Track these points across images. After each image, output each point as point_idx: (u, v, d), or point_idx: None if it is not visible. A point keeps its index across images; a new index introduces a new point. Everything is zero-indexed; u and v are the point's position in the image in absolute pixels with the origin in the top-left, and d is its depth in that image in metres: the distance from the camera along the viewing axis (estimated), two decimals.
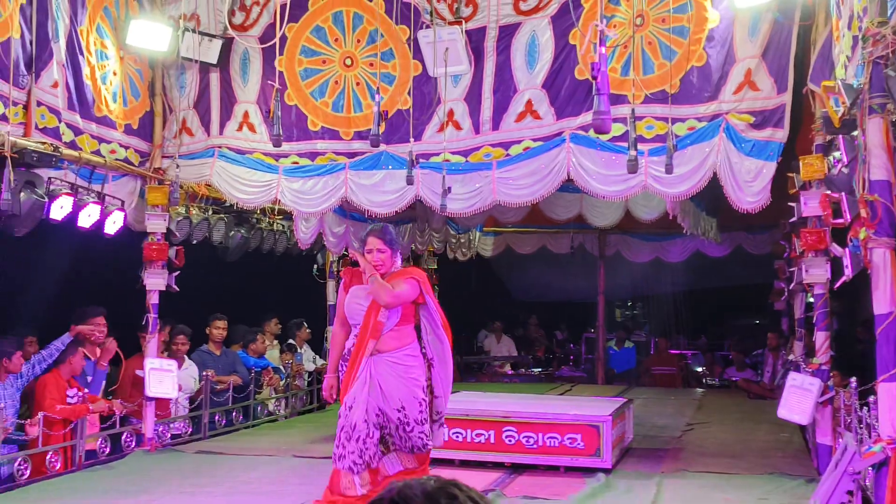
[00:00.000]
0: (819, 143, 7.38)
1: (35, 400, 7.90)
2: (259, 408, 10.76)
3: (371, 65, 8.56)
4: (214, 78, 8.95)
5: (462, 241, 14.99)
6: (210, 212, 10.87)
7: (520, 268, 17.29)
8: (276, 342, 12.04)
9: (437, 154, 8.40)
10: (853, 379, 6.59)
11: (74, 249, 9.04)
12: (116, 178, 8.65)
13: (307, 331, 12.22)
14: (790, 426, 9.17)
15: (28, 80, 7.38)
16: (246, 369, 10.54)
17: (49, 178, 7.65)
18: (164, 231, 8.99)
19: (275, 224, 12.37)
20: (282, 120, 7.04)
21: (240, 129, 8.94)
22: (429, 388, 6.27)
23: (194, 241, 10.39)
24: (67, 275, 9.34)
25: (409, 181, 7.92)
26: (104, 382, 8.74)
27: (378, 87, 7.77)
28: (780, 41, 7.49)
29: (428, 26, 8.24)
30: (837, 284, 6.46)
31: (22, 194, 7.22)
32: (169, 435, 9.05)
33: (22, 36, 7.28)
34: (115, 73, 8.51)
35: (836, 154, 6.85)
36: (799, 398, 7.39)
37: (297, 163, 8.83)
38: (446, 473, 1.95)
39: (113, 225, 8.41)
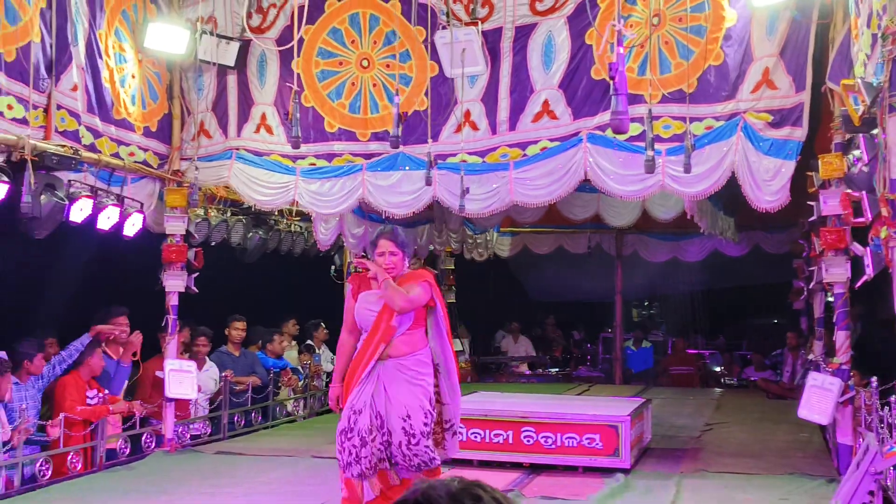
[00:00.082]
0: (838, 141, 7.35)
1: (55, 401, 7.94)
2: (278, 408, 10.81)
3: (388, 66, 8.58)
4: (232, 80, 8.99)
5: (479, 241, 14.99)
6: (228, 213, 10.94)
7: (537, 268, 17.26)
8: (294, 343, 12.08)
9: (454, 155, 8.41)
10: (874, 378, 6.56)
11: (94, 251, 9.09)
12: (135, 180, 8.70)
13: (325, 331, 12.25)
14: (810, 426, 9.13)
15: (48, 83, 7.43)
16: (265, 370, 10.58)
17: (69, 181, 7.69)
18: (183, 233, 9.03)
19: (292, 225, 12.43)
20: (299, 122, 7.06)
21: (257, 130, 8.97)
22: (436, 396, 6.05)
23: (213, 243, 10.45)
24: (87, 277, 9.40)
25: (428, 182, 7.94)
26: (126, 382, 8.78)
27: (397, 90, 7.76)
28: (797, 39, 7.47)
29: (444, 27, 8.24)
30: (859, 284, 6.43)
31: (42, 197, 7.26)
32: (188, 436, 9.10)
33: (42, 40, 7.33)
34: (133, 76, 8.56)
35: (856, 152, 6.82)
36: (819, 398, 7.36)
37: (314, 164, 8.85)
38: (465, 474, 1.95)
39: (132, 227, 8.45)
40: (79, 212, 7.76)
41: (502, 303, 18.00)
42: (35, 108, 7.30)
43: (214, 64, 8.77)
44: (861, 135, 5.94)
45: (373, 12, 8.58)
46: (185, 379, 8.81)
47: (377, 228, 6.59)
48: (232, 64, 8.79)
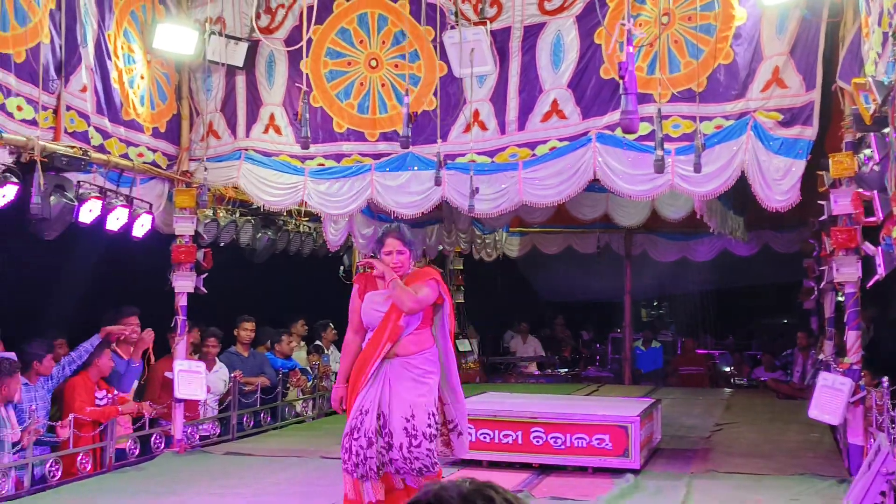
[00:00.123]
0: (849, 140, 7.32)
1: (65, 402, 7.96)
2: (287, 409, 10.80)
3: (396, 66, 8.57)
4: (240, 81, 8.99)
5: (488, 241, 14.97)
6: (237, 214, 10.94)
7: (546, 268, 17.24)
8: (302, 343, 12.08)
9: (463, 155, 8.40)
10: (885, 378, 6.53)
11: (103, 252, 9.10)
12: (144, 181, 8.71)
13: (333, 332, 12.24)
14: (820, 426, 9.10)
15: (58, 84, 7.44)
16: (273, 371, 10.58)
17: (78, 182, 7.71)
18: (192, 233, 9.04)
19: (301, 226, 12.43)
20: (308, 122, 7.05)
21: (266, 131, 8.97)
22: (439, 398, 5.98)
23: (222, 244, 10.45)
24: (96, 277, 9.41)
25: (437, 182, 7.93)
26: (136, 381, 8.79)
27: (407, 90, 7.75)
28: (808, 38, 7.44)
29: (453, 27, 8.23)
30: (871, 283, 6.40)
31: (52, 198, 7.28)
32: (197, 436, 9.10)
33: (51, 41, 7.34)
34: (142, 77, 8.57)
35: (867, 151, 6.79)
36: (830, 398, 7.33)
37: (322, 164, 8.85)
38: (474, 475, 1.94)
39: (141, 228, 8.46)
40: (88, 213, 7.77)
41: (511, 303, 17.99)
42: (45, 109, 7.31)
43: (223, 64, 8.77)
44: (872, 133, 5.91)
45: (381, 12, 8.57)
46: (194, 380, 8.82)
47: (383, 226, 6.53)
48: (240, 64, 8.80)
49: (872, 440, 6.90)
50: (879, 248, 5.72)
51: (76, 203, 7.60)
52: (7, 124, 6.98)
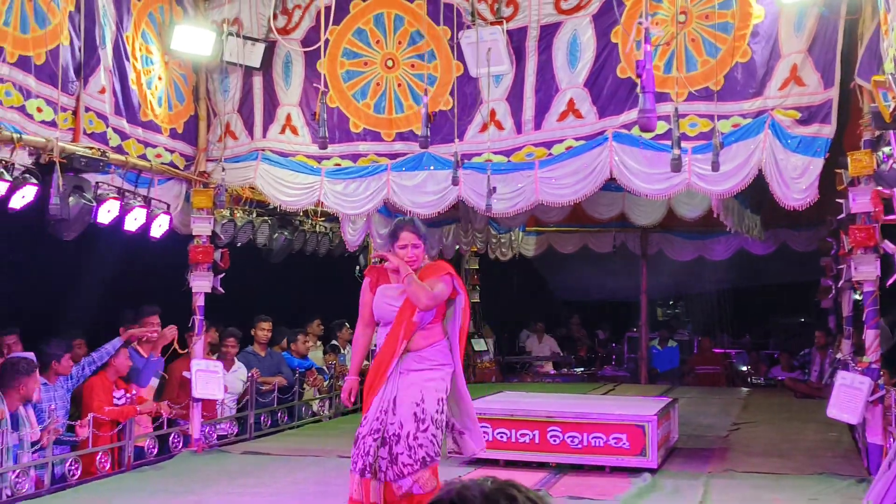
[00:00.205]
0: (867, 138, 7.27)
1: (83, 402, 8.01)
2: (303, 408, 10.83)
3: (412, 66, 8.58)
4: (257, 81, 9.01)
5: (504, 240, 14.97)
6: (254, 214, 10.98)
7: (562, 267, 17.23)
8: (319, 343, 12.11)
9: (479, 154, 8.40)
10: None
11: (121, 253, 9.15)
12: (162, 181, 8.74)
13: (349, 331, 12.23)
14: (839, 425, 9.05)
15: (76, 86, 7.48)
16: (290, 370, 10.61)
17: (96, 183, 7.75)
18: (210, 234, 9.06)
19: (317, 226, 12.46)
20: (325, 122, 7.07)
21: (282, 131, 8.99)
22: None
23: (239, 244, 10.49)
24: (115, 278, 9.46)
25: (455, 182, 7.93)
26: (157, 379, 8.81)
27: (426, 90, 7.74)
28: (826, 35, 7.40)
29: (469, 27, 8.23)
30: (890, 282, 6.37)
31: (70, 199, 7.32)
32: (215, 436, 9.13)
33: (71, 43, 7.39)
34: (160, 78, 8.61)
35: (886, 149, 6.76)
36: (849, 397, 7.29)
37: (339, 164, 8.87)
38: (491, 474, 1.94)
39: (159, 228, 8.50)
40: (106, 213, 7.81)
41: (527, 302, 18.00)
42: (64, 110, 7.35)
43: (240, 65, 8.80)
44: (891, 131, 5.88)
45: (398, 12, 8.58)
46: (212, 379, 8.85)
47: (395, 219, 6.44)
48: (257, 65, 8.82)
49: (892, 439, 6.88)
50: None
51: (95, 204, 7.64)
52: (27, 126, 7.03)
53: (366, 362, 6.85)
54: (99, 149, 7.61)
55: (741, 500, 6.87)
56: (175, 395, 8.99)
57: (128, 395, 8.20)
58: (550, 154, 8.26)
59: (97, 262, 9.40)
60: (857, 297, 9.14)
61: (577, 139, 8.19)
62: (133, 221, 8.15)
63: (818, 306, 14.35)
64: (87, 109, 7.61)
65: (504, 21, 8.23)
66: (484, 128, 8.38)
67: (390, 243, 5.95)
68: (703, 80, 7.66)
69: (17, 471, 6.71)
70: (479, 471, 7.60)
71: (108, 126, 7.86)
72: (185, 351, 8.96)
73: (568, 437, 7.83)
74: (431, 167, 8.57)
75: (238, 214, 10.62)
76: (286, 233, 11.77)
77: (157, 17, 8.58)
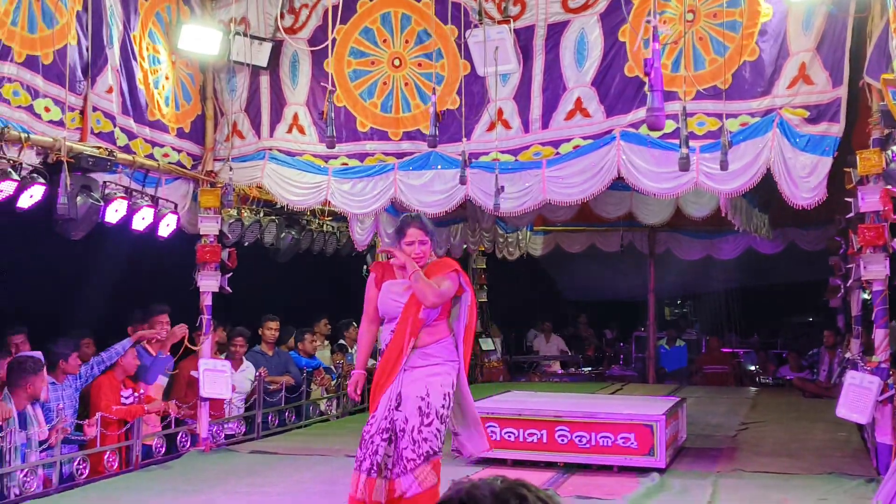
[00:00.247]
0: (877, 136, 7.24)
1: (91, 401, 8.02)
2: (311, 408, 10.83)
3: (419, 65, 8.57)
4: (264, 81, 9.02)
5: (511, 240, 14.95)
6: (261, 214, 10.98)
7: (569, 266, 17.21)
8: (326, 343, 12.11)
9: (487, 153, 8.40)
10: None
11: (129, 252, 9.17)
12: (169, 181, 8.75)
13: (357, 331, 12.17)
14: (847, 425, 9.01)
15: (84, 85, 7.49)
16: (298, 369, 10.61)
17: (104, 182, 7.76)
18: (217, 233, 9.06)
19: (325, 225, 12.46)
20: (333, 121, 7.07)
21: (289, 131, 8.99)
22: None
23: (246, 243, 10.50)
24: (122, 277, 9.48)
25: (462, 181, 7.92)
26: (166, 378, 8.81)
27: (434, 89, 7.73)
28: (834, 34, 7.38)
29: (476, 26, 8.22)
30: None
31: (78, 198, 7.33)
32: (223, 435, 9.14)
33: (78, 42, 7.40)
34: (167, 78, 8.61)
35: (895, 148, 6.73)
36: (858, 397, 7.26)
37: (346, 164, 8.87)
38: (499, 473, 1.93)
39: (166, 227, 8.51)
40: (114, 213, 7.82)
41: (534, 302, 17.98)
42: (71, 110, 7.37)
43: (247, 65, 8.80)
44: None
45: (405, 11, 8.58)
46: (219, 378, 8.85)
47: (402, 215, 6.39)
48: (264, 64, 8.82)
49: None
50: None
51: (102, 203, 7.65)
52: (35, 125, 7.05)
53: (372, 361, 6.84)
54: (106, 148, 7.62)
55: (750, 499, 6.85)
56: (183, 395, 8.99)
57: (135, 394, 8.20)
58: (558, 153, 8.25)
59: (105, 262, 9.42)
60: (866, 296, 9.11)
61: (584, 138, 8.18)
62: (140, 221, 8.17)
63: (827, 305, 14.31)
64: (95, 109, 7.62)
65: (511, 20, 8.22)
66: (491, 127, 8.37)
67: (397, 240, 5.88)
68: (711, 79, 7.64)
69: (26, 470, 6.72)
70: (486, 470, 7.59)
71: (115, 125, 7.86)
72: (197, 348, 8.96)
73: (576, 437, 7.82)
74: (439, 166, 8.57)
75: (245, 214, 10.63)
76: (293, 232, 11.77)
77: (165, 17, 8.59)
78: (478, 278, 15.25)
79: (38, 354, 7.36)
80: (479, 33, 8.13)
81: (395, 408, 5.70)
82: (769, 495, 6.96)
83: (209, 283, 8.98)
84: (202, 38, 8.62)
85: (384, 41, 8.66)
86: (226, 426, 9.29)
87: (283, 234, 11.52)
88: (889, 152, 7.05)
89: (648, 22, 5.04)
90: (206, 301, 8.99)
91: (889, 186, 6.60)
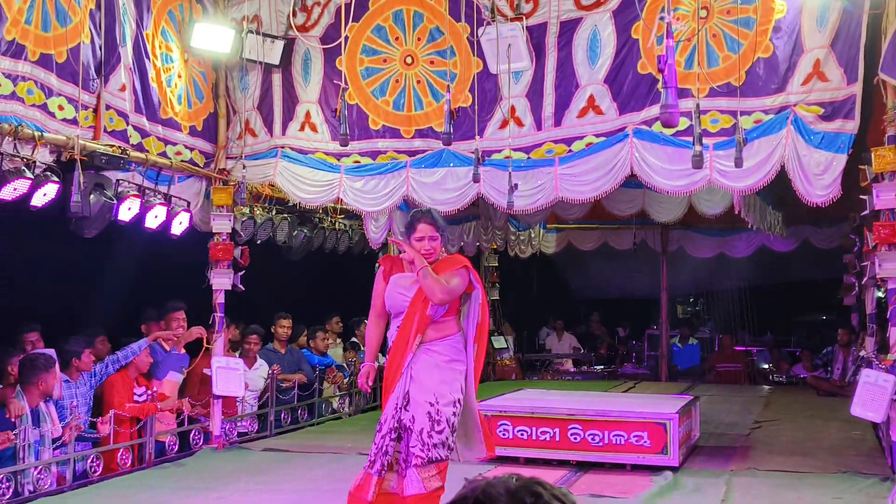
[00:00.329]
0: (892, 134, 7.19)
1: (104, 398, 8.04)
2: (323, 405, 10.84)
3: (432, 63, 8.56)
4: (277, 79, 9.03)
5: (523, 238, 14.94)
6: (274, 212, 10.99)
7: (582, 264, 17.18)
8: (338, 340, 12.12)
9: (499, 151, 8.38)
10: None
11: (142, 250, 9.19)
12: (182, 179, 8.77)
13: None
14: (862, 424, 8.96)
15: (97, 84, 7.51)
16: (311, 367, 10.62)
17: (117, 181, 7.78)
18: (230, 231, 9.09)
19: (337, 223, 12.47)
20: (346, 119, 7.07)
21: (302, 129, 9.00)
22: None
23: (258, 241, 10.51)
24: (135, 275, 9.50)
25: (475, 179, 7.91)
26: (181, 375, 8.82)
27: (449, 87, 7.71)
28: (849, 30, 7.33)
29: (489, 23, 8.20)
30: None
31: (91, 196, 7.35)
32: (235, 433, 9.16)
33: (91, 41, 7.42)
34: (179, 76, 8.63)
35: None
36: (873, 395, 7.22)
37: (358, 162, 8.86)
38: (512, 472, 1.92)
39: (179, 226, 8.52)
40: (127, 211, 7.84)
41: (547, 300, 17.95)
42: (85, 108, 7.39)
43: (259, 63, 8.81)
44: None
45: (417, 9, 8.57)
46: (232, 376, 8.87)
47: (412, 210, 6.31)
48: (277, 62, 8.83)
49: None
50: None
51: (115, 201, 7.67)
52: (49, 124, 7.07)
53: (382, 357, 6.83)
54: (119, 146, 7.63)
55: (764, 498, 6.83)
56: (196, 393, 9.01)
57: (148, 391, 8.22)
58: (570, 150, 8.23)
59: (118, 260, 9.44)
60: (881, 294, 9.07)
61: (597, 135, 8.15)
62: (153, 219, 8.18)
63: (840, 304, 14.25)
64: (108, 107, 7.64)
65: (524, 17, 8.19)
66: (504, 124, 8.35)
67: (407, 235, 5.78)
68: (725, 76, 7.60)
69: (40, 467, 6.75)
70: (499, 468, 7.58)
71: (128, 124, 7.88)
72: (211, 347, 8.97)
73: (589, 435, 7.80)
74: (451, 164, 8.55)
75: (258, 212, 10.64)
76: (305, 230, 11.78)
77: (177, 15, 8.60)
78: (490, 276, 15.24)
79: (51, 352, 7.38)
80: (492, 31, 8.10)
81: (402, 407, 5.64)
82: (783, 494, 6.94)
83: (222, 280, 9.00)
84: (214, 37, 8.64)
85: (396, 39, 8.65)
86: (239, 424, 9.31)
87: (296, 231, 11.53)
88: None
89: (662, 19, 5.02)
90: (219, 299, 9.01)
91: None
